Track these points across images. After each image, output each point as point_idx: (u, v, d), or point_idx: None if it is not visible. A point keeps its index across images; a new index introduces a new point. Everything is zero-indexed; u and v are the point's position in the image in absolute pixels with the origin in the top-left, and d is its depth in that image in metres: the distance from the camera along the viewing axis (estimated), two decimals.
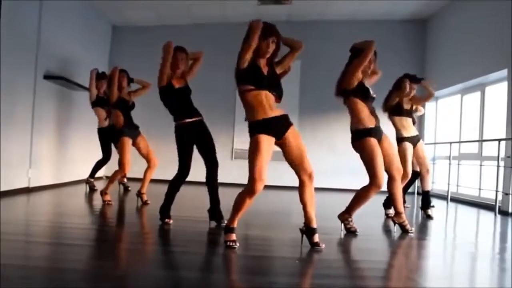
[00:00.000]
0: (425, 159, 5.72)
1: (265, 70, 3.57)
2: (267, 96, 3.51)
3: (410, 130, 5.66)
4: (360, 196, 4.36)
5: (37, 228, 4.30)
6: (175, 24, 9.94)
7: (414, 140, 5.69)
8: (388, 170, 4.42)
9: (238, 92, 3.58)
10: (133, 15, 9.64)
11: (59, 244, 3.65)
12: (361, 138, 4.23)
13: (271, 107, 3.52)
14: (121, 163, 5.97)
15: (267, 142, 3.48)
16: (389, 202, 5.75)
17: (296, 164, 3.58)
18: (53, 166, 7.54)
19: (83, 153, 8.58)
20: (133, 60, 9.95)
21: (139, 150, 6.23)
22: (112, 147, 7.18)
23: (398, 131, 5.67)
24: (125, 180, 7.55)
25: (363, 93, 4.26)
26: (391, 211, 5.59)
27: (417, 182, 7.76)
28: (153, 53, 9.80)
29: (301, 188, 3.59)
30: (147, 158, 6.23)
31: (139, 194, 6.05)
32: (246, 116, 3.60)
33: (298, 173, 3.59)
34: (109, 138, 7.03)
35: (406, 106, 5.67)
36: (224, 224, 4.26)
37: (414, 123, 5.80)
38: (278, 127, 3.53)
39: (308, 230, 3.62)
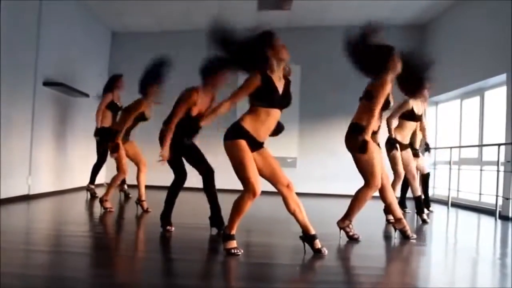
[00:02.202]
0: (408, 166, 5.71)
1: (280, 86, 3.59)
2: (275, 115, 3.56)
3: (407, 136, 5.72)
4: (359, 199, 4.28)
5: (37, 236, 4.28)
6: (174, 30, 9.95)
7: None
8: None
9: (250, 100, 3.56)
10: (133, 21, 9.66)
11: (60, 252, 3.64)
12: (357, 134, 4.14)
13: (269, 130, 3.57)
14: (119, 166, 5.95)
15: (247, 147, 3.48)
16: None
17: (269, 178, 3.62)
18: (53, 173, 7.54)
19: (83, 160, 8.57)
20: (133, 66, 9.97)
21: (126, 152, 6.18)
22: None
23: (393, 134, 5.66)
24: (126, 187, 7.48)
25: (385, 105, 4.23)
26: (392, 217, 5.57)
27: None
28: (153, 58, 9.91)
29: (283, 200, 3.62)
30: (136, 161, 6.23)
31: (139, 202, 6.02)
32: (241, 116, 3.55)
33: (274, 186, 3.65)
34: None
35: (417, 111, 5.69)
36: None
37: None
38: (254, 146, 3.55)
39: (307, 238, 3.62)
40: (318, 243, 3.60)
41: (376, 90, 4.14)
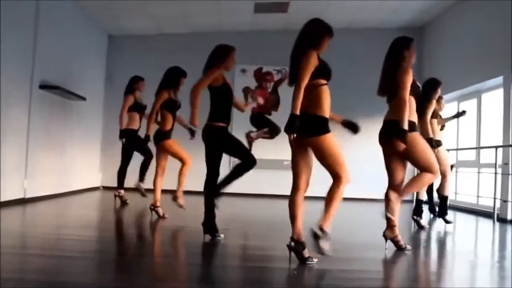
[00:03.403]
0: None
1: None
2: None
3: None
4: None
5: (33, 240, 4.24)
6: (171, 33, 9.93)
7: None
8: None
9: (306, 87, 3.46)
10: (129, 24, 9.63)
11: (56, 256, 3.59)
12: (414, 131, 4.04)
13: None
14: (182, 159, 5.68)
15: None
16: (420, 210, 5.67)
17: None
18: (49, 177, 7.47)
19: (79, 163, 8.54)
20: (130, 69, 9.94)
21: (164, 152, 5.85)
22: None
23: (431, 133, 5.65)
24: (123, 192, 6.98)
25: (417, 90, 4.22)
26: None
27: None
28: (150, 61, 9.90)
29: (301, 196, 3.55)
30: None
31: (154, 208, 5.66)
32: (309, 110, 3.46)
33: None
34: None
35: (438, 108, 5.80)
36: (221, 237, 4.21)
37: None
38: None
39: (300, 245, 3.41)
40: (307, 251, 3.43)
41: (400, 80, 4.02)
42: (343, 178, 3.43)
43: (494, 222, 6.35)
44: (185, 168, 5.64)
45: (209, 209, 4.29)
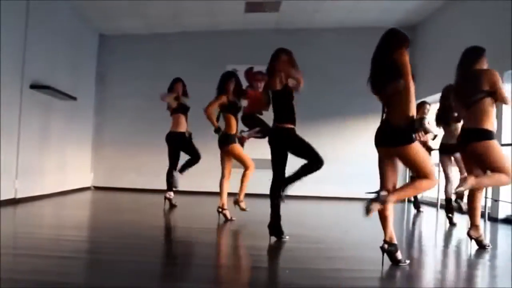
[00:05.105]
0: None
1: None
2: None
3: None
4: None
5: (27, 240, 4.20)
6: (163, 33, 9.89)
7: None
8: None
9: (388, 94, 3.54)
10: (121, 24, 9.58)
11: (50, 257, 3.56)
12: (489, 138, 4.11)
13: None
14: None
15: None
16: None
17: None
18: (40, 177, 7.42)
19: (71, 163, 8.48)
20: (121, 68, 9.93)
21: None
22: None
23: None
24: (172, 194, 6.84)
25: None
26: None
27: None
28: (141, 61, 9.86)
29: None
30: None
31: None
32: (392, 119, 3.47)
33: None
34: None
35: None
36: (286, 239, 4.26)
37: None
38: None
39: (393, 246, 3.43)
40: (399, 254, 3.46)
41: (494, 83, 4.30)
42: (430, 178, 3.40)
43: (485, 221, 6.37)
44: (248, 172, 5.60)
45: (275, 211, 4.31)
